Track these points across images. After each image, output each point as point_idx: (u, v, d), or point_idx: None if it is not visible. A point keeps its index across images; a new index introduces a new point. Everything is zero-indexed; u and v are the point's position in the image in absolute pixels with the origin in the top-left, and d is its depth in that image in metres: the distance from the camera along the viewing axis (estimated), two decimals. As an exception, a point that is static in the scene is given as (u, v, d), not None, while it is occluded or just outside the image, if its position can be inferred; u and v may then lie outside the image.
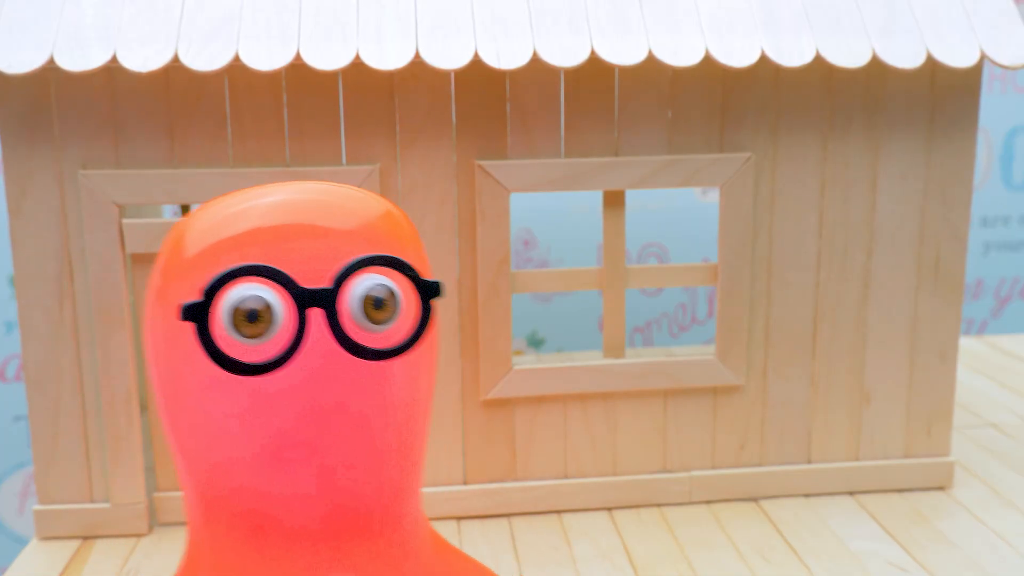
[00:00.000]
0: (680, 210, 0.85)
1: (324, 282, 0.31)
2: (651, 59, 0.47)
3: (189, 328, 0.31)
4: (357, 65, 0.46)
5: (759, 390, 0.55)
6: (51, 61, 0.44)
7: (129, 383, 0.50)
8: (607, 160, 0.51)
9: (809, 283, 0.54)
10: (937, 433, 0.56)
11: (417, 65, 0.47)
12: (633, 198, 0.84)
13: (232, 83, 0.49)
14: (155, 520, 0.53)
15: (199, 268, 0.31)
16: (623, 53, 0.47)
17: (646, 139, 0.51)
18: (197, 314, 0.30)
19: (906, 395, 0.56)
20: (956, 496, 0.56)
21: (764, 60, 0.48)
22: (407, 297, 0.32)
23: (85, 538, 0.52)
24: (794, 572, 0.48)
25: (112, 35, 0.45)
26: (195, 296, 0.30)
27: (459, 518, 0.54)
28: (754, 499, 0.56)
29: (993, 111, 0.89)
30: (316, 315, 0.31)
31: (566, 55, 0.46)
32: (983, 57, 0.49)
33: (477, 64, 0.47)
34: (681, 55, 0.47)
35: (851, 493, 0.56)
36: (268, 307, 0.30)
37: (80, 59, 0.44)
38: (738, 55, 0.47)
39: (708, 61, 0.48)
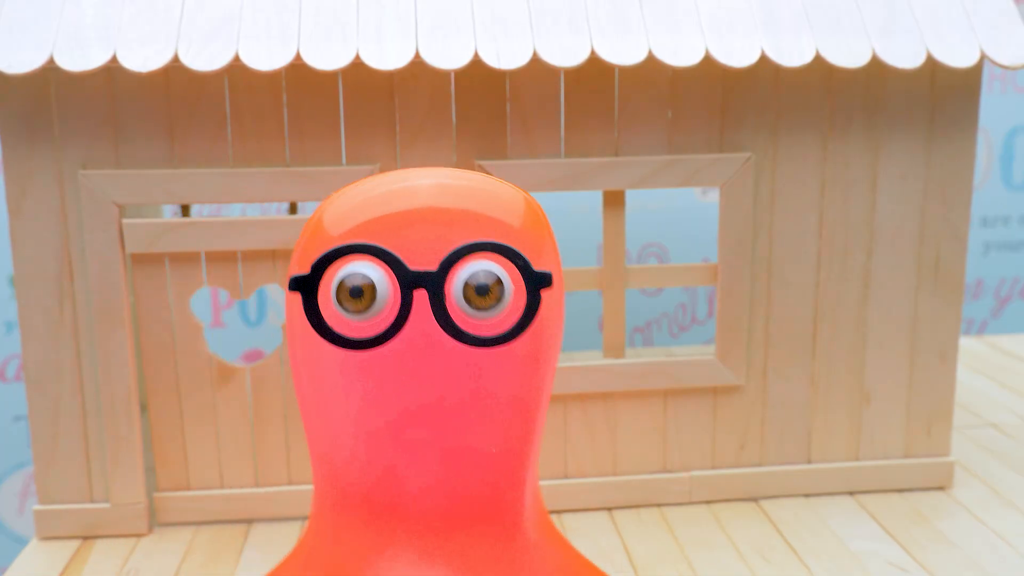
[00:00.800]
0: (680, 210, 0.85)
1: (433, 267, 0.32)
2: (651, 59, 0.47)
3: (296, 301, 0.32)
4: (357, 65, 0.46)
5: (759, 390, 0.55)
6: (51, 61, 0.44)
7: (129, 383, 0.50)
8: (607, 160, 0.51)
9: (809, 283, 0.54)
10: (937, 433, 0.56)
11: (417, 65, 0.47)
12: (633, 198, 0.84)
13: (232, 83, 0.49)
14: (155, 520, 0.53)
15: (319, 250, 0.32)
16: (623, 53, 0.47)
17: (646, 139, 0.51)
18: (304, 286, 0.31)
19: (906, 395, 0.56)
20: (956, 496, 0.56)
21: (764, 60, 0.48)
22: (517, 286, 0.32)
23: (85, 538, 0.52)
24: (794, 572, 0.48)
25: (112, 35, 0.45)
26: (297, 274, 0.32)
27: (459, 518, 0.54)
28: (754, 499, 0.56)
29: (993, 111, 0.89)
30: (420, 297, 0.32)
31: (566, 55, 0.46)
32: (983, 57, 0.49)
33: (477, 64, 0.47)
34: (681, 55, 0.47)
35: (851, 493, 0.56)
36: (371, 284, 0.31)
37: (80, 59, 0.44)
38: (738, 55, 0.47)
39: (708, 61, 0.48)
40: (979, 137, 0.89)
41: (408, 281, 0.31)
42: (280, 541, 0.52)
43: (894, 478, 0.56)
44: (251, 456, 0.53)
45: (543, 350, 0.34)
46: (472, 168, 0.50)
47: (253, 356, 0.83)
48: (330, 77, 0.49)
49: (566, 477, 0.55)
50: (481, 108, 0.50)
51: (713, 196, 0.85)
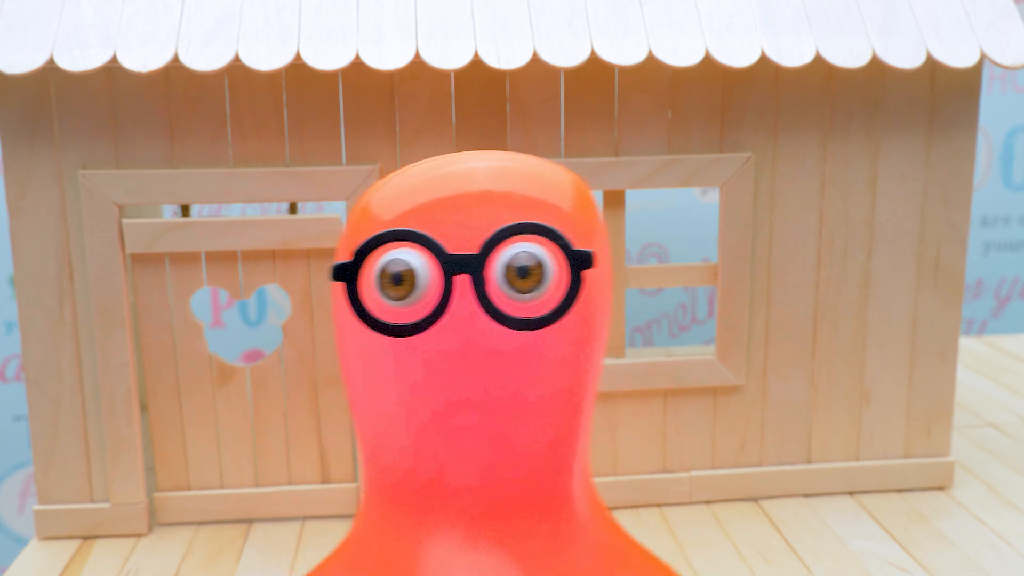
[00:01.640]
0: (680, 210, 0.85)
1: (474, 250, 0.31)
2: (651, 59, 0.47)
3: (338, 290, 0.32)
4: (357, 65, 0.46)
5: (759, 390, 0.55)
6: (51, 61, 0.44)
7: (129, 383, 0.50)
8: (607, 160, 0.51)
9: (809, 283, 0.54)
10: (937, 433, 0.56)
11: (417, 65, 0.47)
12: (633, 198, 0.84)
13: (232, 83, 0.49)
14: (155, 520, 0.53)
15: (362, 238, 0.32)
16: (623, 53, 0.47)
17: (646, 139, 0.51)
18: (346, 274, 0.31)
19: (906, 395, 0.56)
20: (956, 496, 0.56)
21: (764, 60, 0.48)
22: (559, 267, 0.32)
23: (85, 538, 0.52)
24: (794, 572, 0.48)
25: (112, 35, 0.45)
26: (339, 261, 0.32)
27: (459, 518, 0.54)
28: (754, 499, 0.56)
29: (993, 111, 0.89)
30: (462, 281, 0.32)
31: (566, 55, 0.46)
32: (983, 57, 0.49)
33: (477, 64, 0.47)
34: (681, 55, 0.47)
35: (851, 493, 0.56)
36: (412, 271, 0.31)
37: (80, 59, 0.44)
38: (738, 55, 0.47)
39: (708, 61, 0.48)
40: (979, 137, 0.89)
41: (449, 266, 0.31)
42: (280, 541, 0.52)
43: (894, 478, 0.56)
44: (251, 456, 0.53)
45: (590, 332, 0.34)
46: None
47: (253, 356, 0.83)
48: (330, 77, 0.49)
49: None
50: (481, 108, 0.50)
51: (713, 196, 0.85)
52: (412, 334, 0.32)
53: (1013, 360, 0.81)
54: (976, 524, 0.52)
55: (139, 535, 0.52)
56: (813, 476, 0.56)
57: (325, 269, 0.51)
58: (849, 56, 0.48)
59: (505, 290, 0.31)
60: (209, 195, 0.49)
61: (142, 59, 0.44)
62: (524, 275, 0.31)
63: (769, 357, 0.54)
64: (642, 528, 0.53)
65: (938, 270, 0.54)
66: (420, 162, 0.34)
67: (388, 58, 0.45)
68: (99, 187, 0.48)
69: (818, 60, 0.48)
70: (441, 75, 0.49)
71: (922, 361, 0.55)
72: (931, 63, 0.50)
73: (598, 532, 0.37)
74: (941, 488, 0.57)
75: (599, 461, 0.55)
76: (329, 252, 0.50)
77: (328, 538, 0.52)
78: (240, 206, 0.78)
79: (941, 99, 0.52)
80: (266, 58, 0.45)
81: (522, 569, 0.34)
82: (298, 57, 0.45)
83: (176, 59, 0.45)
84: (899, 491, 0.56)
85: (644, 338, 0.87)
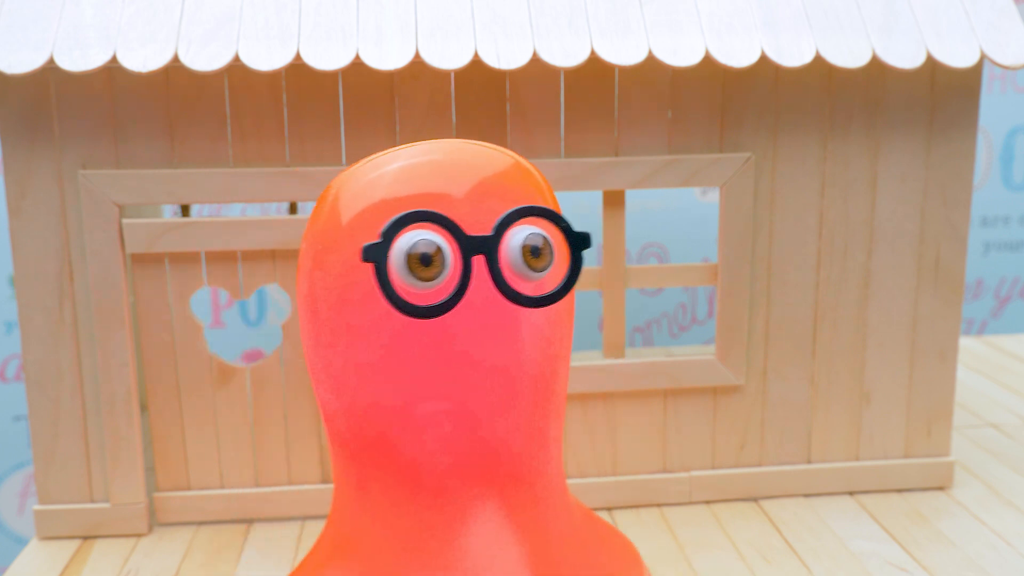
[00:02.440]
0: (680, 210, 0.85)
1: (486, 231, 0.33)
2: (651, 59, 0.47)
3: (356, 277, 0.32)
4: (357, 65, 0.46)
5: (759, 390, 0.55)
6: (51, 61, 0.44)
7: (129, 383, 0.50)
8: (607, 160, 0.51)
9: (809, 283, 0.54)
10: (937, 433, 0.56)
11: (417, 65, 0.47)
12: (633, 198, 0.84)
13: (232, 83, 0.49)
14: (155, 520, 0.53)
15: (365, 225, 0.33)
16: (623, 53, 0.47)
17: (646, 139, 0.51)
18: (376, 255, 0.31)
19: (906, 395, 0.56)
20: (956, 496, 0.56)
21: (764, 60, 0.48)
22: (559, 248, 0.34)
23: (85, 538, 0.52)
24: (794, 572, 0.48)
25: (112, 35, 0.45)
26: (368, 242, 0.32)
27: (459, 518, 0.54)
28: (754, 499, 0.56)
29: (993, 111, 0.89)
30: (479, 262, 0.32)
31: (566, 55, 0.46)
32: (983, 57, 0.49)
33: (477, 64, 0.47)
34: (681, 55, 0.47)
35: (851, 493, 0.56)
36: (439, 251, 0.32)
37: (80, 59, 0.44)
38: (738, 55, 0.47)
39: (708, 61, 0.48)
40: (979, 137, 0.89)
41: (468, 246, 0.32)
42: (280, 541, 0.52)
43: (894, 478, 0.56)
44: (251, 456, 0.53)
45: (572, 309, 0.37)
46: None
47: (253, 356, 0.83)
48: (330, 77, 0.49)
49: (567, 477, 0.55)
50: (481, 108, 0.50)
51: (713, 196, 0.85)
52: (438, 315, 0.32)
53: (1013, 360, 0.81)
54: (976, 524, 0.52)
55: (139, 535, 0.52)
56: (813, 476, 0.56)
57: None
58: (849, 56, 0.48)
59: (519, 269, 0.33)
60: (209, 195, 0.49)
61: (142, 59, 0.44)
62: (537, 254, 0.33)
63: (769, 357, 0.54)
64: (642, 528, 0.53)
65: (938, 270, 0.54)
66: (391, 151, 0.35)
67: (388, 58, 0.45)
68: (99, 187, 0.48)
69: (818, 60, 0.48)
70: (441, 75, 0.49)
71: (922, 361, 0.55)
72: (931, 63, 0.50)
73: (572, 506, 0.39)
74: (941, 488, 0.57)
75: (599, 461, 0.55)
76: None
77: (328, 538, 0.52)
78: (240, 206, 0.78)
79: (941, 99, 0.52)
80: (266, 58, 0.45)
81: (517, 541, 0.35)
82: (298, 57, 0.45)
83: (176, 59, 0.45)
84: (899, 491, 0.56)
85: (644, 338, 0.87)
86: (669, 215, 0.85)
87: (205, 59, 0.45)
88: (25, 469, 0.83)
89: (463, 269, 0.32)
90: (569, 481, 0.54)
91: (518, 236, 0.33)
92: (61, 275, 0.49)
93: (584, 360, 0.55)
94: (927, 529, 0.52)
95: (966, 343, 0.85)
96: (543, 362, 0.35)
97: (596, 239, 0.85)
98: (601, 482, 0.55)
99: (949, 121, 0.52)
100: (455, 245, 0.32)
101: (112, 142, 0.49)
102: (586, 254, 0.85)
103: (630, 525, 0.53)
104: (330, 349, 0.34)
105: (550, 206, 0.35)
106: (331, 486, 0.53)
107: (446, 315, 0.32)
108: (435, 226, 0.32)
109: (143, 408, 0.60)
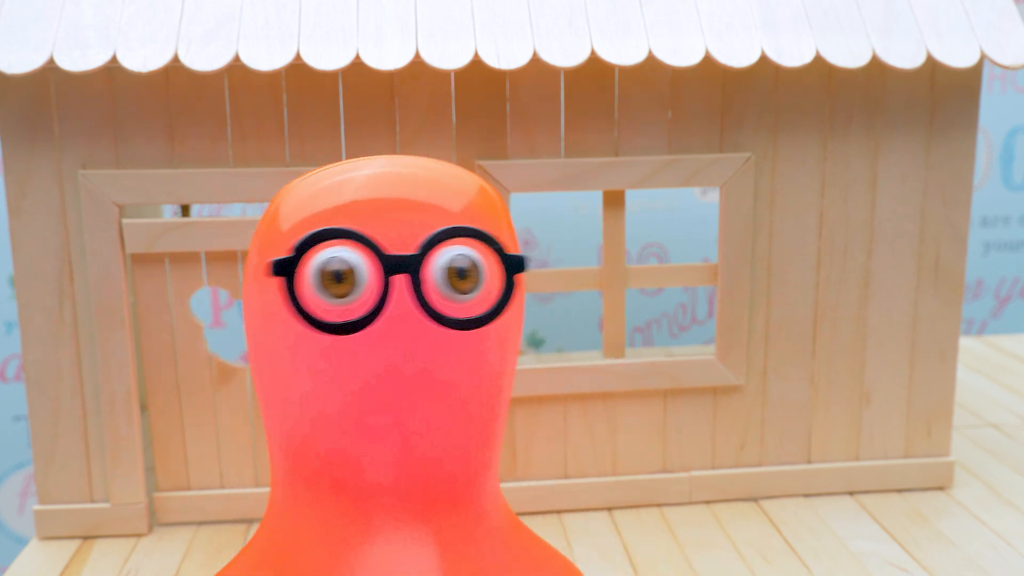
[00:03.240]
0: (680, 210, 0.85)
1: (411, 251, 0.32)
2: (651, 59, 0.47)
3: (277, 287, 0.32)
4: (357, 65, 0.46)
5: (759, 390, 0.55)
6: (51, 61, 0.44)
7: (129, 383, 0.50)
8: (607, 160, 0.51)
9: (809, 283, 0.54)
10: (937, 433, 0.56)
11: (417, 65, 0.47)
12: (633, 198, 0.84)
13: (232, 83, 0.49)
14: (155, 520, 0.53)
15: (294, 236, 0.32)
16: (623, 53, 0.47)
17: (646, 139, 0.51)
18: (285, 269, 0.31)
19: (906, 395, 0.56)
20: (956, 496, 0.56)
21: (764, 60, 0.48)
22: (491, 270, 0.33)
23: (85, 538, 0.52)
24: (794, 572, 0.48)
25: (112, 35, 0.45)
26: (277, 257, 0.32)
27: (459, 518, 0.54)
28: (754, 499, 0.56)
29: (993, 111, 0.89)
30: (401, 281, 0.32)
31: (566, 55, 0.46)
32: (983, 57, 0.49)
33: (477, 64, 0.47)
34: (681, 55, 0.47)
35: (851, 493, 0.56)
36: (351, 269, 0.31)
37: (80, 59, 0.44)
38: (738, 55, 0.47)
39: (708, 61, 0.48)
40: (979, 137, 0.89)
41: (388, 265, 0.32)
42: (280, 541, 0.52)
43: (894, 478, 0.56)
44: (251, 456, 0.53)
45: (512, 333, 0.36)
46: (473, 169, 0.50)
47: (253, 356, 0.83)
48: (330, 77, 0.49)
49: (566, 477, 0.55)
50: (481, 108, 0.50)
51: (713, 196, 0.85)
52: (350, 332, 0.32)
53: (1013, 360, 0.81)
54: (976, 524, 0.52)
55: (139, 535, 0.52)
56: (813, 476, 0.56)
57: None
58: (849, 56, 0.48)
59: (443, 290, 0.32)
60: (209, 195, 0.49)
61: (142, 59, 0.44)
62: (463, 276, 0.32)
63: (769, 357, 0.54)
64: (642, 528, 0.53)
65: (938, 270, 0.54)
66: (326, 167, 0.34)
67: (388, 58, 0.45)
68: (99, 187, 0.48)
69: (818, 60, 0.48)
70: (441, 75, 0.49)
71: (922, 361, 0.55)
72: (931, 63, 0.50)
73: (506, 527, 0.38)
74: (941, 488, 0.57)
75: (599, 461, 0.55)
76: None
77: (328, 538, 0.52)
78: (240, 206, 0.78)
79: (941, 99, 0.52)
80: (266, 58, 0.45)
81: (439, 562, 0.35)
82: (298, 57, 0.45)
83: (176, 59, 0.45)
84: (899, 491, 0.56)
85: (644, 338, 0.87)
86: (669, 215, 0.85)
87: (205, 59, 0.45)
88: (25, 469, 0.83)
89: (383, 288, 0.32)
90: (569, 481, 0.54)
91: (444, 257, 0.32)
92: (61, 275, 0.49)
93: (584, 360, 0.55)
94: (927, 529, 0.52)
95: (966, 343, 0.85)
96: (478, 383, 0.34)
97: (596, 239, 0.85)
98: (601, 482, 0.55)
99: (949, 121, 0.52)
100: (376, 263, 0.32)
101: (112, 142, 0.49)
102: (587, 254, 0.85)
103: (630, 525, 0.53)
104: (261, 360, 0.34)
105: (499, 227, 0.34)
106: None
107: (374, 332, 0.32)
108: (356, 243, 0.32)
109: (143, 408, 0.60)
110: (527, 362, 0.60)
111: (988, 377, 0.76)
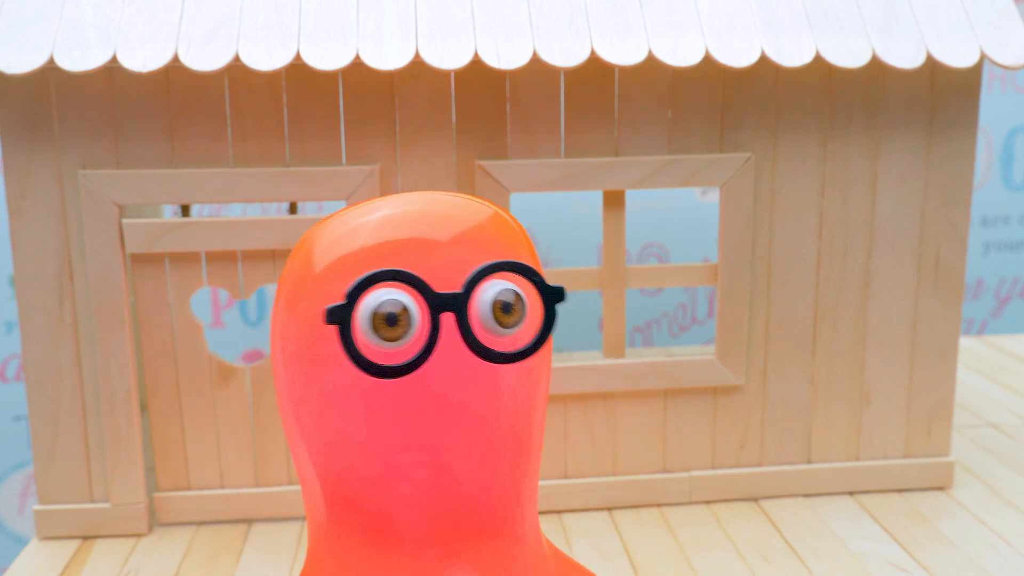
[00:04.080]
0: (680, 210, 0.85)
1: (454, 288, 0.32)
2: (651, 59, 0.47)
3: (325, 332, 0.32)
4: (357, 65, 0.46)
5: (759, 390, 0.55)
6: (51, 61, 0.44)
7: (129, 383, 0.50)
8: (607, 160, 0.51)
9: (809, 283, 0.54)
10: (937, 433, 0.56)
11: (417, 65, 0.47)
12: (633, 198, 0.84)
13: (232, 83, 0.49)
14: (155, 520, 0.53)
15: (336, 277, 0.32)
16: (623, 53, 0.47)
17: (646, 139, 0.51)
18: (341, 317, 0.31)
19: (906, 395, 0.56)
20: (956, 496, 0.56)
21: (764, 60, 0.48)
22: (531, 302, 0.33)
23: (85, 538, 0.52)
24: (794, 572, 0.48)
25: (112, 35, 0.45)
26: (333, 303, 0.31)
27: (459, 518, 0.54)
28: (754, 499, 0.56)
29: (993, 111, 0.89)
30: (448, 319, 0.32)
31: (566, 55, 0.46)
32: (983, 57, 0.49)
33: (477, 64, 0.47)
34: (681, 55, 0.47)
35: (851, 493, 0.56)
36: (406, 310, 0.31)
37: (80, 59, 0.44)
38: (738, 55, 0.47)
39: (708, 61, 0.48)
40: (979, 137, 0.89)
41: (437, 304, 0.32)
42: (280, 541, 0.52)
43: (894, 478, 0.56)
44: (251, 456, 0.53)
45: (548, 362, 0.36)
46: (472, 168, 0.50)
47: (253, 356, 0.83)
48: (330, 77, 0.49)
49: (566, 477, 0.55)
50: (481, 108, 0.50)
51: (713, 196, 0.85)
52: (403, 374, 0.31)
53: (1013, 360, 0.81)
54: (976, 524, 0.52)
55: (139, 535, 0.52)
56: (813, 476, 0.56)
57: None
58: (849, 56, 0.48)
59: (489, 326, 0.32)
60: (209, 195, 0.49)
61: (142, 59, 0.44)
62: (508, 311, 0.32)
63: (769, 357, 0.54)
64: (642, 528, 0.53)
65: (938, 270, 0.54)
66: (360, 205, 0.34)
67: (388, 58, 0.45)
68: (99, 187, 0.48)
69: (818, 60, 0.48)
70: (441, 75, 0.49)
71: (922, 361, 0.55)
72: (931, 63, 0.50)
73: (548, 554, 0.38)
74: (941, 488, 0.57)
75: (599, 461, 0.55)
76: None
77: (328, 538, 0.52)
78: (240, 206, 0.78)
79: (941, 99, 0.52)
80: (266, 58, 0.45)
81: None
82: (298, 57, 0.45)
83: (176, 59, 0.45)
84: (899, 491, 0.56)
85: (644, 338, 0.87)
86: (669, 215, 0.85)
87: (205, 59, 0.45)
88: (25, 469, 0.83)
89: (431, 327, 0.32)
90: (569, 481, 0.54)
91: (489, 292, 0.32)
92: (61, 275, 0.49)
93: (584, 360, 0.55)
94: (927, 529, 0.52)
95: (966, 343, 0.85)
96: (518, 416, 0.35)
97: (596, 239, 0.85)
98: (601, 482, 0.55)
99: (949, 121, 0.52)
100: (423, 303, 0.32)
101: (112, 142, 0.49)
102: (587, 254, 0.85)
103: (630, 525, 0.53)
104: (301, 403, 0.34)
105: (527, 258, 0.34)
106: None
107: (423, 371, 0.32)
108: (402, 284, 0.32)
109: (143, 408, 0.60)
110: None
111: (988, 377, 0.76)
